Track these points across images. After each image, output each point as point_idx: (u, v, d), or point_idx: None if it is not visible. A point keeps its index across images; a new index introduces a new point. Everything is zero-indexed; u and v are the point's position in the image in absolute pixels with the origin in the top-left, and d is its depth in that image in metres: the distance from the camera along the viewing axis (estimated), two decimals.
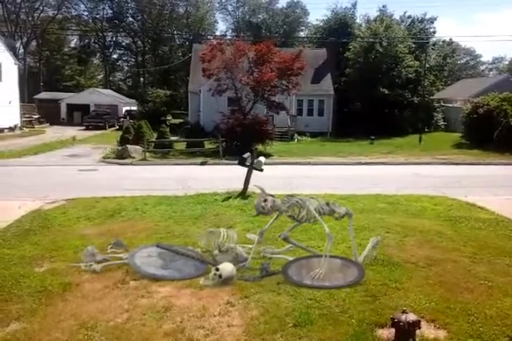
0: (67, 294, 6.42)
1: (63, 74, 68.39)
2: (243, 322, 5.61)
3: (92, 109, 47.06)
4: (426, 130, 34.81)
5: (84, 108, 47.08)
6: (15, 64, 38.97)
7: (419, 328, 5.10)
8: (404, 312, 5.06)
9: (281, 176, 17.06)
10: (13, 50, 47.04)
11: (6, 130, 35.68)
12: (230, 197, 12.47)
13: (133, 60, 75.36)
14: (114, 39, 72.96)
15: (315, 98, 36.64)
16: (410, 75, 36.92)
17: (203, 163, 22.05)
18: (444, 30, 54.08)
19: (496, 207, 11.52)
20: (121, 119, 43.75)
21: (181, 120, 45.91)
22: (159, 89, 49.96)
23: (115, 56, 76.26)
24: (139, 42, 71.44)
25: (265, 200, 7.22)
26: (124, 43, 74.76)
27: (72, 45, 75.40)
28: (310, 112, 36.84)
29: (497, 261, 7.71)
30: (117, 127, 42.01)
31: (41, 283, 6.69)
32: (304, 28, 74.58)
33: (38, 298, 6.26)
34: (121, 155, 22.94)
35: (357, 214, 9.78)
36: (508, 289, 6.55)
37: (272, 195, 7.42)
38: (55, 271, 7.23)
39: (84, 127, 41.91)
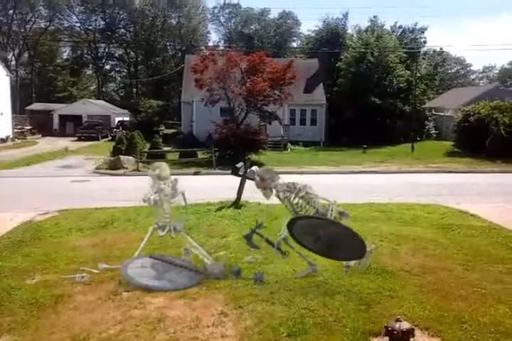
0: (59, 306, 6.37)
1: (56, 86, 68.34)
2: (237, 333, 5.58)
3: (84, 119, 46.96)
4: (418, 139, 35.00)
5: (76, 119, 46.97)
6: (7, 75, 38.96)
7: (413, 336, 5.10)
8: (398, 320, 5.06)
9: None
10: (4, 61, 47.12)
11: None
12: (223, 207, 12.45)
13: (125, 70, 75.44)
14: (106, 50, 73.10)
15: (307, 108, 36.82)
16: (401, 84, 37.19)
17: (196, 173, 22.03)
18: (434, 40, 54.91)
19: (488, 215, 11.57)
20: (114, 130, 43.66)
21: (174, 130, 45.92)
22: (152, 100, 50.05)
23: (108, 67, 76.42)
24: (132, 53, 71.61)
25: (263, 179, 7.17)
26: (116, 54, 74.92)
27: (65, 56, 75.50)
28: (303, 122, 36.99)
29: (490, 269, 7.74)
30: (110, 138, 41.89)
31: (33, 295, 6.64)
32: (295, 38, 75.11)
33: (30, 310, 6.21)
34: (114, 166, 22.88)
35: (350, 223, 9.73)
36: (501, 296, 6.57)
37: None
38: (47, 282, 7.18)
39: (76, 138, 41.76)
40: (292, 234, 6.94)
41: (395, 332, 4.97)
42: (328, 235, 6.69)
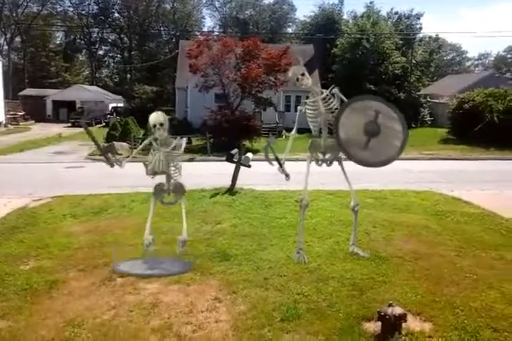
0: (53, 292, 6.38)
1: (49, 71, 67.50)
2: (231, 318, 5.62)
3: (78, 105, 46.61)
4: (412, 125, 34.95)
5: (70, 105, 46.62)
6: None
7: (405, 321, 5.16)
8: (390, 305, 5.11)
9: (268, 172, 17.06)
10: None
11: None
12: (217, 194, 12.44)
13: (119, 56, 74.64)
14: (100, 35, 72.21)
15: (303, 94, 36.54)
16: (397, 71, 37.07)
17: (190, 160, 21.88)
18: (430, 26, 54.64)
19: (482, 202, 11.63)
20: (108, 116, 43.43)
21: (169, 116, 45.64)
22: (146, 86, 49.63)
23: (101, 52, 75.53)
24: (126, 38, 70.76)
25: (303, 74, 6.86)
26: (110, 39, 73.99)
27: (58, 41, 74.50)
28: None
29: (482, 255, 7.81)
30: (104, 124, 41.66)
31: (27, 281, 6.64)
32: (291, 24, 74.52)
33: (24, 296, 6.21)
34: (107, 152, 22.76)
35: (344, 210, 9.83)
36: (492, 282, 6.63)
37: None
38: (41, 268, 7.18)
39: (70, 124, 41.50)
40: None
41: (388, 317, 5.01)
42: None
